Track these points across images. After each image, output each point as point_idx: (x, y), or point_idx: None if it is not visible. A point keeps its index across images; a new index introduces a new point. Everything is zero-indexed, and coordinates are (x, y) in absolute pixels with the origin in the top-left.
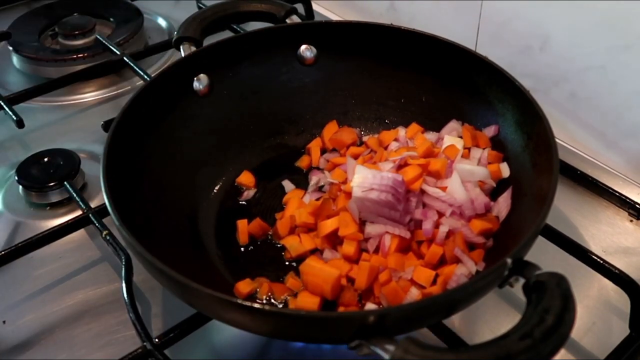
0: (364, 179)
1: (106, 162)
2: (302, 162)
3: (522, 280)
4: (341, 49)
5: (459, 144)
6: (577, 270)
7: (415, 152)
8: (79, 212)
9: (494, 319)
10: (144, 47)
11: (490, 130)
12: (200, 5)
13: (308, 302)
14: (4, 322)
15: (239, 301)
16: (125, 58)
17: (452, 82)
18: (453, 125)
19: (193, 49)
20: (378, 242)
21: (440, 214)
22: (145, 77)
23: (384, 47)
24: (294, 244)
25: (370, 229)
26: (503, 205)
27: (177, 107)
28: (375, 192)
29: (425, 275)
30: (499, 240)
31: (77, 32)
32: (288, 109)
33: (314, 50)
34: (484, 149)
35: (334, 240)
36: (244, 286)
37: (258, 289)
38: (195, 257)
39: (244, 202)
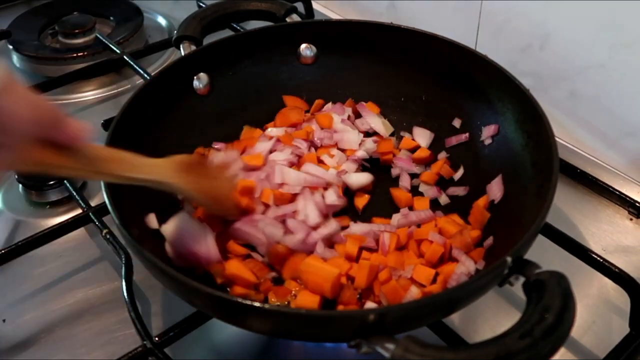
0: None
1: None
2: None
3: (522, 279)
4: (341, 48)
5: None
6: (577, 268)
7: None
8: (78, 211)
9: (494, 317)
10: (144, 46)
11: (490, 129)
12: (200, 4)
13: (308, 300)
14: (4, 320)
15: (239, 300)
16: (125, 57)
17: (452, 81)
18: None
19: (193, 47)
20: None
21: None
22: (145, 75)
23: (384, 46)
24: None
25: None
26: (496, 189)
27: (177, 106)
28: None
29: (425, 274)
30: (499, 239)
31: (77, 31)
32: None
33: (314, 49)
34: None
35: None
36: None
37: (259, 284)
38: None
39: None
